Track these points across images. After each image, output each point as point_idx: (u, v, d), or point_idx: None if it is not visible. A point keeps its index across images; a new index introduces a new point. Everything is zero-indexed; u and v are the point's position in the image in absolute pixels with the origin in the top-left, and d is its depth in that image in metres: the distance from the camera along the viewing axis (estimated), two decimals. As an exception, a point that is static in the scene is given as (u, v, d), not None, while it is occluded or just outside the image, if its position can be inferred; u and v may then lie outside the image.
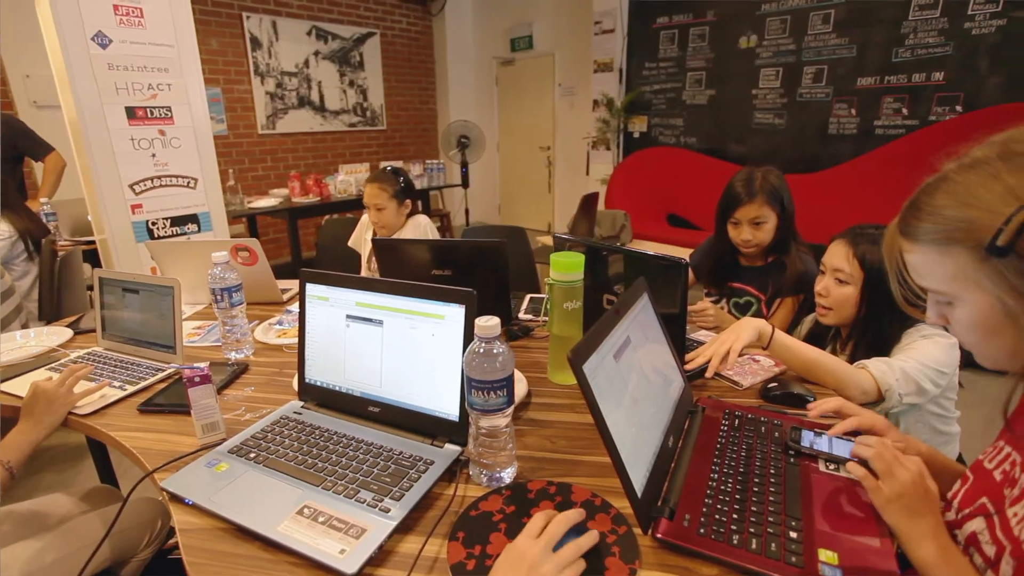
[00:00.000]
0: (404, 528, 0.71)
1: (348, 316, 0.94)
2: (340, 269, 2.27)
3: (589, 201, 3.37)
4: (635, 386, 0.76)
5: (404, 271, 1.38)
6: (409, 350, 0.89)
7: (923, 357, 1.05)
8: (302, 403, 0.99)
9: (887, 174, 3.82)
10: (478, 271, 1.29)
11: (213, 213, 2.58)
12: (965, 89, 3.58)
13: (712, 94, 4.68)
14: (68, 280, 2.02)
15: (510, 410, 0.76)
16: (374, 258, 2.02)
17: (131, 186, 2.29)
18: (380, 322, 0.91)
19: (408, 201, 1.96)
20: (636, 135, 5.19)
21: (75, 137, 2.20)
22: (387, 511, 0.72)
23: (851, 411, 0.82)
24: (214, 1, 4.38)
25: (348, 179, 4.37)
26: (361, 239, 2.12)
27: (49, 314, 2.01)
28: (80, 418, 1.02)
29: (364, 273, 2.12)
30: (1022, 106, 3.32)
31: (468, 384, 0.74)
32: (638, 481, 0.67)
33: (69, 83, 2.09)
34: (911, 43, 3.72)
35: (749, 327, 1.02)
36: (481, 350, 0.73)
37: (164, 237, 2.42)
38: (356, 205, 4.64)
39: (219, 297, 1.20)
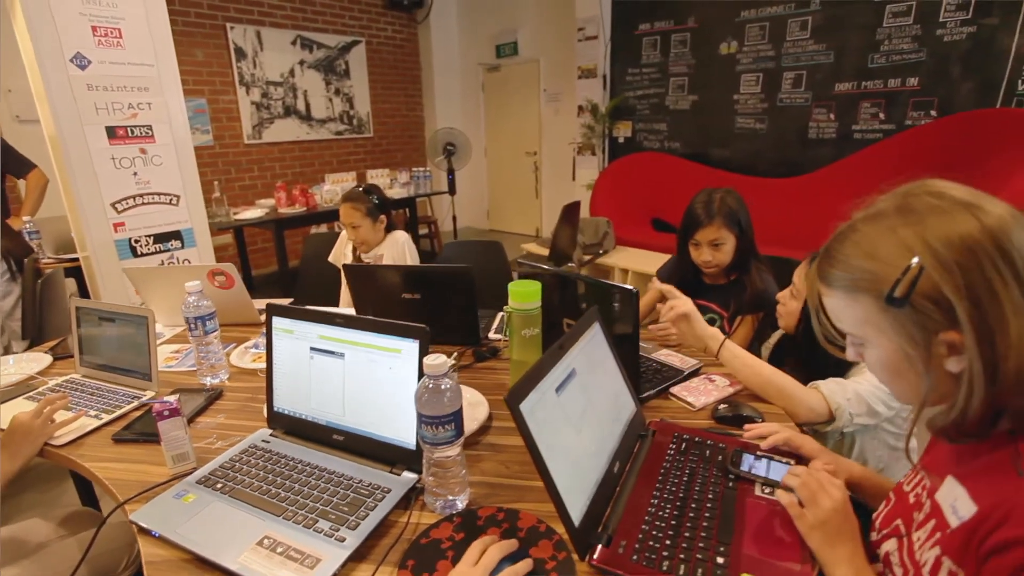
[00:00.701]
0: (358, 556, 0.74)
1: (312, 348, 0.98)
2: (324, 283, 2.30)
3: (571, 210, 3.41)
4: (578, 417, 0.80)
5: (375, 295, 1.41)
6: (369, 381, 0.92)
7: (876, 379, 1.10)
8: (271, 431, 1.03)
9: (866, 178, 3.89)
10: (445, 295, 1.33)
11: (196, 229, 2.60)
12: (939, 94, 3.65)
13: (695, 99, 4.73)
14: (51, 299, 2.04)
15: (459, 442, 0.80)
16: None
17: (113, 204, 2.32)
18: (342, 355, 0.95)
19: (383, 217, 1.99)
20: (621, 140, 5.24)
21: (56, 155, 2.22)
22: (342, 540, 0.75)
23: (784, 439, 0.86)
24: (198, 13, 4.39)
25: (334, 188, 4.39)
26: (341, 255, 2.15)
27: (32, 334, 2.03)
28: (56, 448, 1.06)
29: (344, 290, 2.15)
30: (992, 111, 3.40)
31: (419, 418, 0.78)
32: (577, 509, 0.71)
33: (48, 104, 2.12)
34: (886, 49, 3.79)
35: (698, 329, 1.11)
36: (430, 386, 0.77)
37: (147, 254, 2.45)
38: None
39: (193, 325, 1.23)
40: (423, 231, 5.57)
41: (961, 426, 0.56)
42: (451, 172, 5.23)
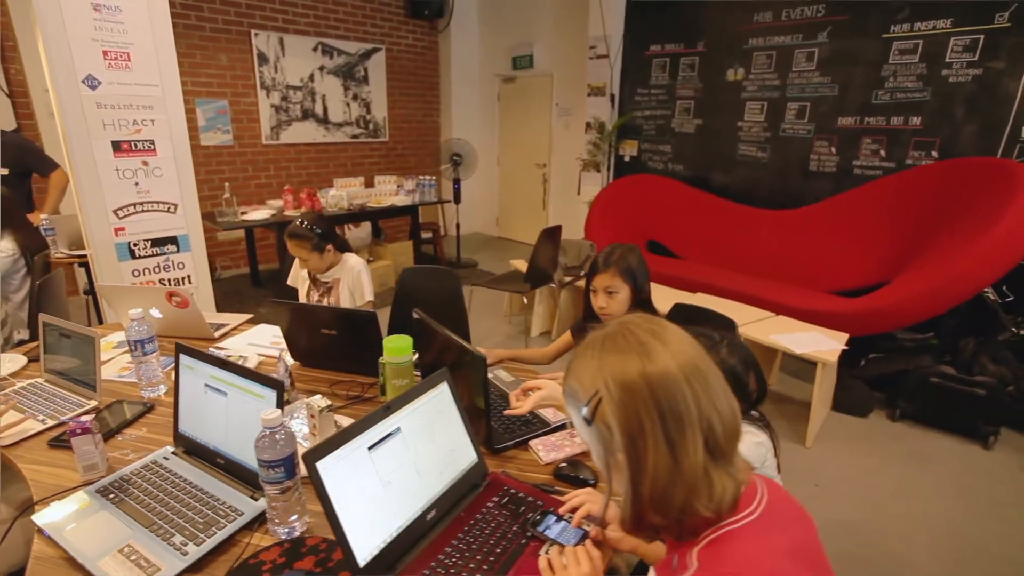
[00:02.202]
0: (194, 568, 0.90)
1: (206, 385, 1.14)
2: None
3: (553, 233, 3.51)
4: (390, 471, 0.93)
5: (302, 327, 1.57)
6: (243, 416, 1.08)
7: None
8: (173, 449, 1.21)
9: (863, 214, 3.87)
10: (355, 333, 1.48)
11: (191, 235, 2.83)
12: (941, 135, 3.60)
13: (700, 123, 4.75)
14: (50, 296, 2.28)
15: (290, 482, 0.95)
16: (315, 293, 2.23)
17: (115, 211, 2.56)
18: (225, 393, 1.11)
19: (330, 246, 2.08)
20: (627, 159, 5.30)
21: (67, 163, 2.47)
22: (185, 554, 0.92)
23: (586, 512, 0.96)
24: (225, 19, 4.66)
25: (340, 193, 4.61)
26: (298, 277, 2.29)
27: (32, 327, 2.28)
28: (2, 448, 1.25)
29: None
30: (992, 161, 3.33)
31: (257, 460, 0.93)
32: (367, 550, 0.85)
33: (60, 119, 2.36)
34: (891, 86, 3.75)
35: (559, 390, 1.20)
36: (266, 434, 0.92)
37: (144, 257, 2.68)
38: (347, 219, 4.88)
39: (134, 347, 1.42)
40: (426, 236, 5.75)
41: (623, 525, 0.67)
42: (457, 181, 5.39)
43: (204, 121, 4.73)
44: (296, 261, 2.35)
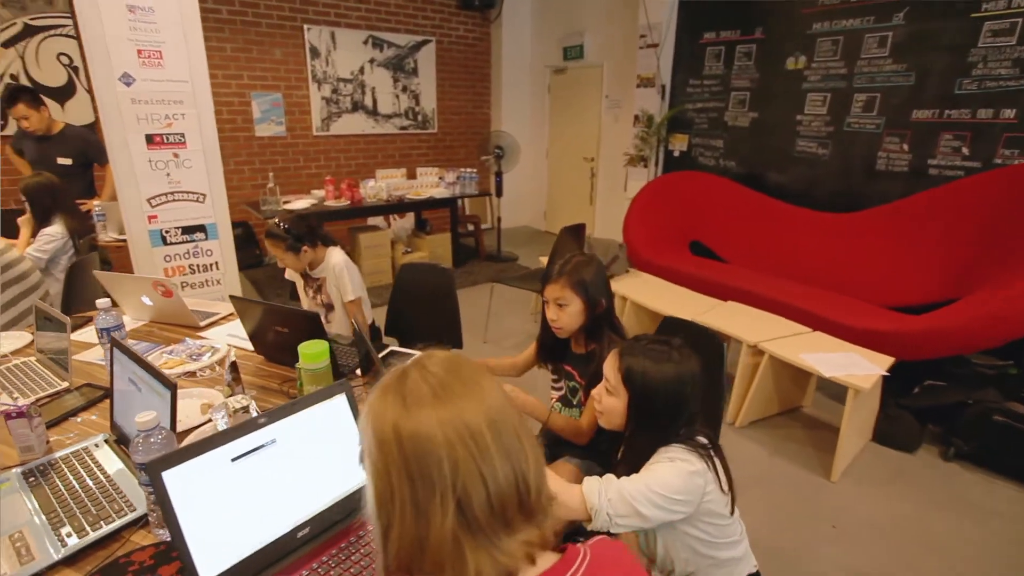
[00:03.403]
0: (69, 561, 0.93)
1: (128, 378, 1.18)
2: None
3: (576, 230, 3.39)
4: (257, 485, 0.91)
5: (260, 324, 1.59)
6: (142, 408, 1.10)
7: (652, 480, 1.07)
8: (105, 436, 1.26)
9: (939, 219, 3.43)
10: (300, 333, 1.47)
11: (219, 223, 2.98)
12: (1039, 131, 3.11)
13: (755, 117, 4.40)
14: (85, 276, 2.48)
15: (163, 488, 0.95)
16: (309, 290, 2.27)
17: (148, 200, 2.74)
18: (140, 388, 1.13)
19: (306, 247, 2.08)
20: (676, 154, 5.02)
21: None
22: (64, 545, 0.94)
23: None
24: (279, 15, 4.86)
25: (380, 184, 4.70)
26: (294, 273, 2.34)
27: (61, 305, 2.49)
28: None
29: (305, 303, 2.36)
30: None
31: (134, 462, 0.94)
32: (218, 563, 0.84)
33: (100, 114, 2.55)
34: (979, 74, 3.28)
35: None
36: (140, 437, 0.93)
37: (175, 243, 2.86)
38: (385, 210, 4.99)
39: (100, 335, 1.50)
40: (463, 230, 5.76)
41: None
42: (499, 174, 5.35)
43: (259, 113, 4.97)
44: None
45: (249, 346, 1.74)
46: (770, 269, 3.91)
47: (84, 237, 2.84)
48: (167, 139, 2.72)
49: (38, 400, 1.44)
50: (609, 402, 1.19)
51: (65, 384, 1.50)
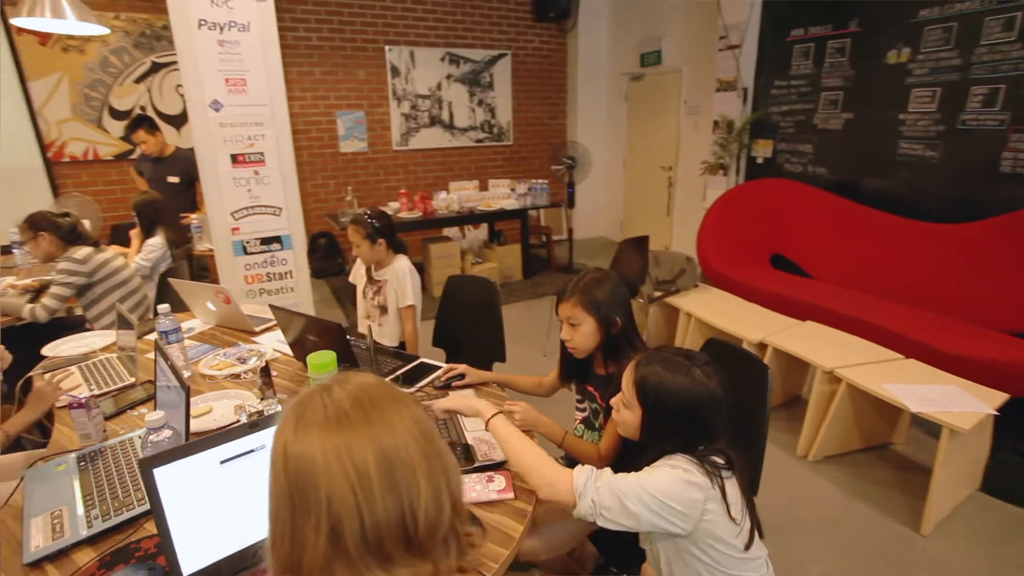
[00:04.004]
0: (91, 541, 1.02)
1: (166, 379, 1.28)
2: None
3: (639, 243, 3.26)
4: (243, 488, 0.95)
5: (294, 332, 1.68)
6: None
7: (648, 481, 1.00)
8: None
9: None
10: (326, 342, 1.53)
11: (293, 235, 3.20)
12: None
13: (849, 118, 4.00)
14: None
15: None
16: (369, 291, 2.37)
17: (232, 213, 3.01)
18: (169, 387, 1.23)
19: (381, 240, 2.17)
20: (760, 160, 4.69)
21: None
22: (90, 526, 1.04)
23: None
24: (363, 38, 5.17)
25: (452, 196, 4.83)
26: (358, 275, 2.45)
27: (154, 309, 2.78)
28: (56, 409, 1.56)
29: (359, 304, 2.46)
30: None
31: (143, 460, 1.02)
32: (197, 561, 0.88)
33: (194, 138, 2.85)
34: None
35: (472, 404, 1.19)
36: (149, 434, 1.01)
37: (254, 253, 3.11)
38: (456, 221, 5.11)
39: (161, 337, 1.65)
40: (536, 241, 5.75)
41: None
42: (571, 185, 5.30)
43: (343, 130, 5.31)
44: (358, 260, 2.51)
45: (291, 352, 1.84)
46: (862, 286, 3.51)
47: (180, 247, 3.17)
48: (249, 158, 2.97)
49: (107, 392, 1.62)
50: (624, 415, 1.13)
51: (132, 380, 1.67)
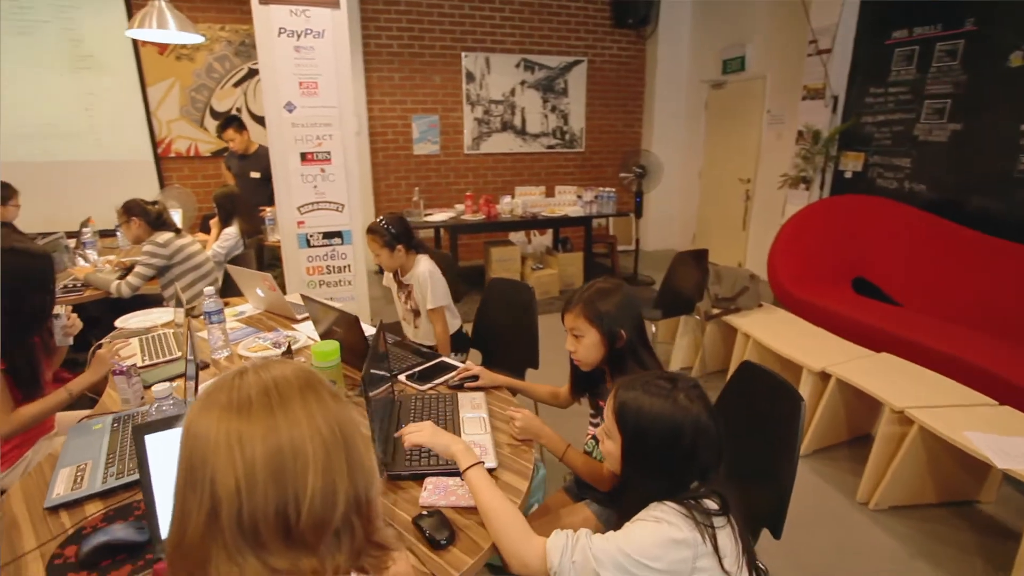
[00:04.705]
0: (103, 496, 1.12)
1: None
2: (464, 279, 2.64)
3: (698, 256, 3.09)
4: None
5: (324, 324, 1.74)
6: (189, 390, 1.27)
7: (625, 541, 0.91)
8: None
9: None
10: (346, 334, 1.57)
11: (354, 231, 3.34)
12: None
13: (957, 129, 3.57)
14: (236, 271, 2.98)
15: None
16: (401, 295, 2.42)
17: (298, 208, 3.19)
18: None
19: (400, 246, 2.19)
20: (849, 175, 4.30)
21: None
22: (106, 482, 1.13)
23: None
24: (442, 45, 5.34)
25: (516, 201, 4.85)
26: (390, 279, 2.49)
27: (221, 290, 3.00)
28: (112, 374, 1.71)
29: (398, 307, 2.51)
30: None
31: (147, 428, 1.09)
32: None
33: (269, 137, 3.07)
34: None
35: (449, 447, 1.08)
36: (153, 405, 1.08)
37: (317, 247, 3.28)
38: (519, 226, 5.11)
39: (206, 317, 1.77)
40: (601, 250, 5.63)
41: None
42: (639, 194, 5.14)
43: (418, 134, 5.51)
44: None
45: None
46: (959, 318, 3.11)
47: (253, 237, 3.41)
48: (316, 156, 3.14)
49: (156, 363, 1.76)
50: (607, 446, 1.05)
51: (179, 354, 1.81)
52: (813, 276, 3.69)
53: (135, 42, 4.49)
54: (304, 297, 1.77)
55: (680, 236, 6.56)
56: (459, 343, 2.48)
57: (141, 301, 2.70)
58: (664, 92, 6.05)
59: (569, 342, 1.35)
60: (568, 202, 5.12)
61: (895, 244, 3.68)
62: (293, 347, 1.77)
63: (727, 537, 0.92)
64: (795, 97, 4.52)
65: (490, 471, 1.19)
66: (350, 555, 0.58)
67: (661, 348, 3.75)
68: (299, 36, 2.95)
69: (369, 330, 2.11)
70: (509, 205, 4.81)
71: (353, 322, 1.53)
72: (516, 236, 5.77)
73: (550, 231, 5.82)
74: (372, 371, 1.32)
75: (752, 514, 1.40)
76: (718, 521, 0.92)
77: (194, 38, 3.07)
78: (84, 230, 3.26)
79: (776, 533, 1.31)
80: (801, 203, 4.44)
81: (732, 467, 1.51)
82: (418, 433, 1.12)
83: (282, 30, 2.91)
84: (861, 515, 2.18)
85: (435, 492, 1.12)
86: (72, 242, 3.22)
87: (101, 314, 2.69)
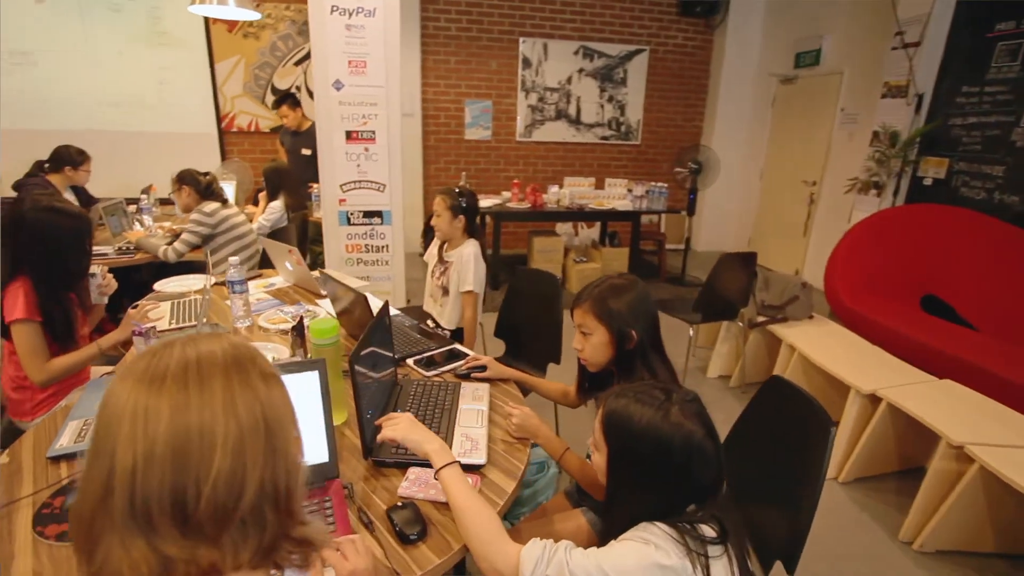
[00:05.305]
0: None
1: (197, 322, 1.39)
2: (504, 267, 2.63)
3: (746, 259, 2.91)
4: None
5: (342, 301, 1.73)
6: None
7: (607, 560, 0.83)
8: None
9: None
10: (359, 312, 1.54)
11: (394, 211, 3.35)
12: None
13: (1063, 136, 3.18)
14: (284, 241, 3.05)
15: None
16: (436, 270, 2.40)
17: (341, 186, 3.23)
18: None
19: (462, 217, 2.18)
20: (928, 181, 3.93)
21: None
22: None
23: None
24: (500, 30, 5.26)
25: (563, 192, 4.74)
26: (431, 253, 2.48)
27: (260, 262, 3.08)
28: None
29: (428, 282, 2.49)
30: None
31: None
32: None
33: (316, 114, 3.11)
34: None
35: (422, 444, 1.02)
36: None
37: (357, 225, 3.32)
38: (563, 217, 5.00)
39: (229, 286, 1.81)
40: (649, 248, 5.43)
41: None
42: (693, 191, 4.92)
43: (470, 118, 5.48)
44: (434, 239, 2.54)
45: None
46: (1044, 349, 2.77)
47: (297, 212, 3.49)
48: (361, 135, 3.16)
49: (181, 327, 1.81)
50: (595, 458, 0.97)
51: (205, 320, 1.86)
52: (876, 289, 3.40)
53: (206, 19, 4.68)
54: (322, 273, 1.77)
55: (735, 238, 6.25)
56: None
57: (187, 267, 2.81)
58: (729, 86, 5.74)
59: (576, 339, 1.27)
60: (617, 195, 4.96)
61: (977, 261, 3.33)
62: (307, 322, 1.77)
63: (723, 569, 0.83)
64: (873, 95, 4.16)
65: (477, 468, 1.13)
66: (258, 550, 0.53)
67: (700, 353, 3.58)
68: (350, 14, 2.96)
69: (391, 311, 2.11)
70: (556, 195, 4.71)
71: (364, 302, 1.51)
72: (564, 227, 5.66)
73: (599, 224, 5.67)
74: (378, 351, 1.29)
75: (765, 544, 1.29)
76: (714, 550, 0.83)
77: (251, 15, 3.14)
78: (142, 197, 3.44)
79: (790, 567, 1.19)
80: (870, 210, 4.10)
81: (748, 488, 1.40)
82: (392, 427, 1.06)
83: (334, 8, 2.93)
84: (902, 556, 1.98)
85: (416, 483, 1.07)
86: (133, 208, 3.40)
87: (150, 278, 2.83)
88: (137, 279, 2.80)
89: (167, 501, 0.49)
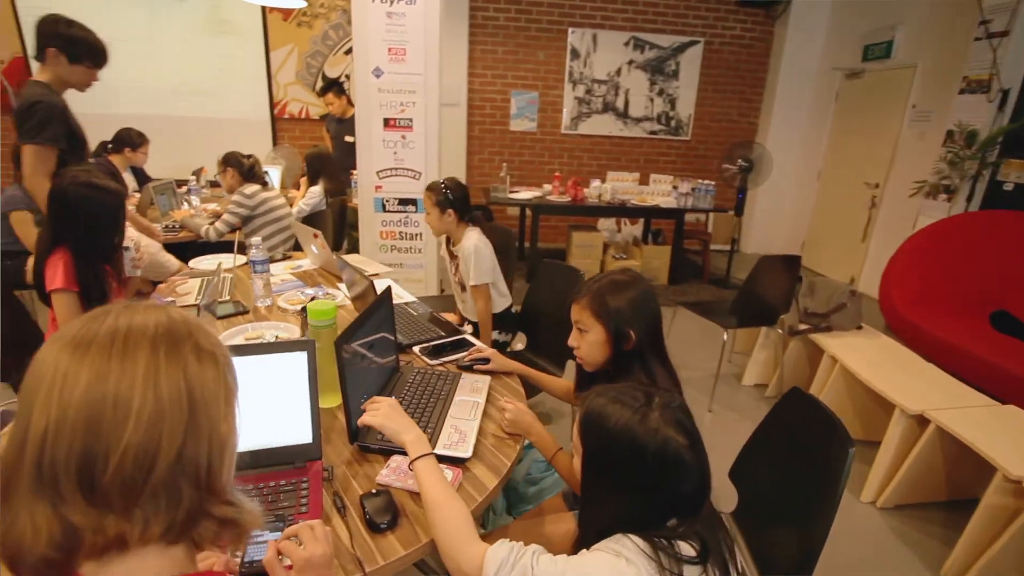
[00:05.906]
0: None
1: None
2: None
3: (789, 262, 2.74)
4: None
5: (357, 287, 1.73)
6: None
7: (574, 570, 0.79)
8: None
9: None
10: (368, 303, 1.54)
11: (428, 200, 3.36)
12: None
13: None
14: (318, 226, 3.11)
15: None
16: (452, 266, 2.38)
17: (377, 172, 3.27)
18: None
19: (451, 210, 2.12)
20: (1009, 187, 3.58)
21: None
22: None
23: None
24: (548, 19, 5.18)
25: (605, 186, 4.63)
26: (445, 251, 2.45)
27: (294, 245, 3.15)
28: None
29: (450, 276, 2.47)
30: None
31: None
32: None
33: (356, 101, 3.15)
34: None
35: (400, 433, 1.00)
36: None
37: (391, 212, 3.35)
38: (604, 212, 4.88)
39: (252, 265, 1.85)
40: (694, 247, 5.23)
41: None
42: (742, 190, 4.69)
43: (515, 109, 5.43)
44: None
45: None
46: None
47: (335, 198, 3.56)
48: (399, 123, 3.18)
49: (210, 304, 1.87)
50: (575, 461, 0.92)
51: (228, 298, 1.91)
52: (937, 301, 3.14)
53: (263, 8, 4.84)
54: (339, 258, 1.78)
55: (787, 242, 5.92)
56: (507, 323, 2.40)
57: (228, 247, 2.92)
58: (789, 80, 5.43)
59: (572, 336, 1.21)
60: (662, 192, 4.80)
61: (1057, 276, 3.01)
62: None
63: None
64: (949, 90, 3.83)
65: (461, 461, 1.10)
66: (172, 525, 0.52)
67: (737, 359, 3.41)
68: (392, 2, 2.97)
69: (406, 297, 2.10)
70: (597, 190, 4.61)
71: (372, 289, 1.50)
72: (607, 223, 5.53)
73: (642, 221, 5.51)
74: (373, 336, 1.28)
75: (774, 562, 1.20)
76: (690, 571, 0.76)
77: (298, 3, 3.21)
78: (191, 178, 3.60)
79: (798, 590, 1.10)
80: (938, 215, 3.78)
81: (761, 501, 1.31)
82: (373, 412, 1.03)
83: (377, -5, 2.95)
84: (941, 592, 1.81)
85: (395, 472, 1.05)
86: (184, 189, 3.57)
87: (194, 255, 2.96)
88: (181, 256, 2.94)
89: (74, 468, 0.48)
